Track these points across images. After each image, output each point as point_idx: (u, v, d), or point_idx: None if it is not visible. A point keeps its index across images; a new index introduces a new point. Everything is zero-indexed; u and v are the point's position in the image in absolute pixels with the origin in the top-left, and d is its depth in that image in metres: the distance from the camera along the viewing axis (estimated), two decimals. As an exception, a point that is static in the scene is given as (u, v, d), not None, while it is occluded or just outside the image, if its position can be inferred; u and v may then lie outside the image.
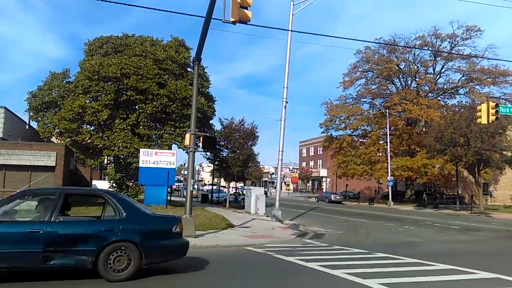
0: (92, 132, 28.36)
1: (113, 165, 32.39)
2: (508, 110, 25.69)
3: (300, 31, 39.99)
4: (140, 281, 7.49)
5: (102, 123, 27.90)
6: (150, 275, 7.87)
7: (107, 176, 33.27)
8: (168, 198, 28.52)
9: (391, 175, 45.64)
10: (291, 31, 21.63)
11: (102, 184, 45.44)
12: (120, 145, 27.58)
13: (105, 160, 39.38)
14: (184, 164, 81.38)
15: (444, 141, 34.67)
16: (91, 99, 27.75)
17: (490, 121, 24.22)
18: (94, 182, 47.25)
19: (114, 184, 30.07)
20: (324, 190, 69.89)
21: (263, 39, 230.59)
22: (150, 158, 26.31)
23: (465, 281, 8.06)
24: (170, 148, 29.01)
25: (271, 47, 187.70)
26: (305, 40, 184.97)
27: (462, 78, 50.79)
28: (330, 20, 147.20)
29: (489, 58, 44.76)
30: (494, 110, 23.61)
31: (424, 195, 45.90)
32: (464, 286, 7.58)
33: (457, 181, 41.98)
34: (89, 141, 28.53)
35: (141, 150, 26.53)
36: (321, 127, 55.52)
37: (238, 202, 36.44)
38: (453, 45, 49.62)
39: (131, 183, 29.93)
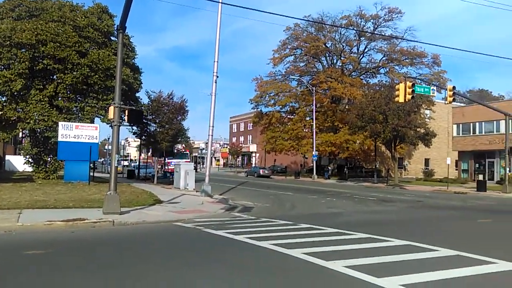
0: (4, 103, 26.01)
1: (29, 139, 30.23)
2: (423, 90, 27.76)
3: (231, 3, 39.15)
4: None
5: (15, 93, 25.66)
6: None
7: (22, 151, 31.11)
8: (91, 174, 27.31)
9: (316, 150, 47.44)
10: (222, 3, 21.23)
11: (17, 159, 42.30)
12: (37, 117, 25.67)
13: (20, 134, 36.68)
14: (108, 138, 78.06)
15: (364, 118, 36.63)
16: (2, 67, 25.37)
17: (407, 100, 26.06)
18: (8, 157, 43.87)
19: (30, 160, 28.19)
20: (253, 165, 71.09)
21: (193, 10, 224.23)
22: (70, 132, 24.88)
23: (381, 248, 8.68)
24: (92, 122, 27.52)
25: (202, 19, 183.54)
26: (237, 14, 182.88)
27: (383, 58, 53.42)
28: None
29: (408, 40, 47.45)
30: (411, 90, 25.38)
31: (338, 169, 48.46)
32: (380, 252, 8.15)
33: (375, 156, 44.82)
34: (0, 113, 26.21)
35: (60, 123, 24.95)
36: (251, 103, 56.16)
37: (167, 178, 35.88)
38: (376, 26, 51.72)
39: (49, 159, 28.16)
